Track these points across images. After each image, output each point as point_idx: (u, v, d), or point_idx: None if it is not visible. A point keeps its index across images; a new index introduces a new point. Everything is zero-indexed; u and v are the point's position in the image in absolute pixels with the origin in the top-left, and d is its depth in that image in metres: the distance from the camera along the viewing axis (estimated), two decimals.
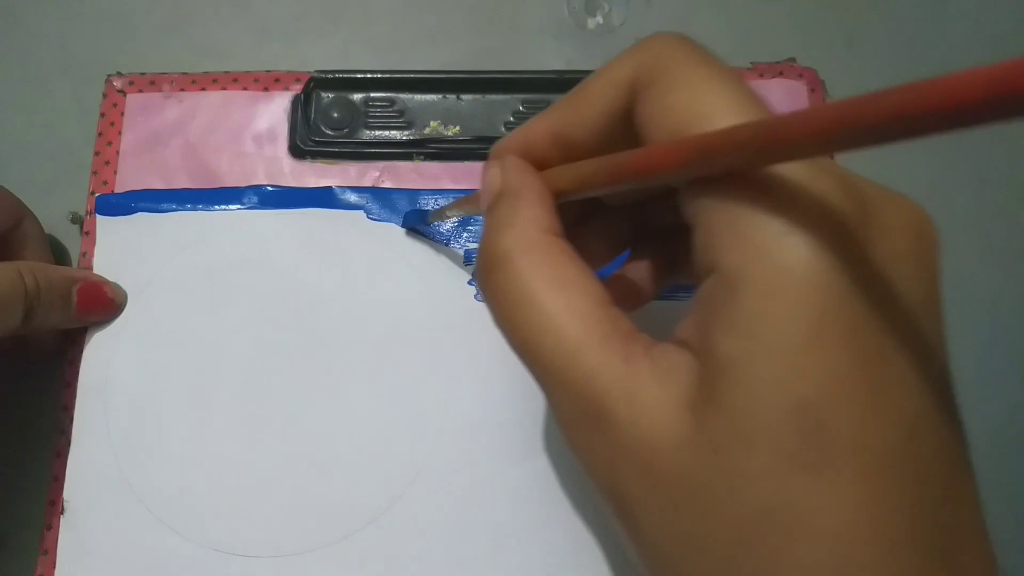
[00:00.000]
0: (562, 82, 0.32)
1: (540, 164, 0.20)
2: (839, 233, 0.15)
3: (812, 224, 0.14)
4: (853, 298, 0.14)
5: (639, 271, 0.23)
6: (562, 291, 0.17)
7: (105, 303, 0.28)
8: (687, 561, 0.15)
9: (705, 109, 0.16)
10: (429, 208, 0.30)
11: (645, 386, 0.16)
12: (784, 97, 0.32)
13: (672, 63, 0.17)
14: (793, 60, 0.32)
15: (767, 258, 0.15)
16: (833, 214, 0.15)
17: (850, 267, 0.14)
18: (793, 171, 0.15)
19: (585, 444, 0.17)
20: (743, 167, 0.15)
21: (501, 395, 0.28)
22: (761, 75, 0.32)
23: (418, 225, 0.30)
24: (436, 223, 0.29)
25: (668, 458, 0.15)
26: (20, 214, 0.28)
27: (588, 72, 0.32)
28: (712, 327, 0.15)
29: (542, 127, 0.20)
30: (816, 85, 0.32)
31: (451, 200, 0.30)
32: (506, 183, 0.20)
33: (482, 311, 0.29)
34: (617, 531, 0.17)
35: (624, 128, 0.18)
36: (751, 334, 0.15)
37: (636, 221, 0.23)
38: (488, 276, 0.18)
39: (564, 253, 0.18)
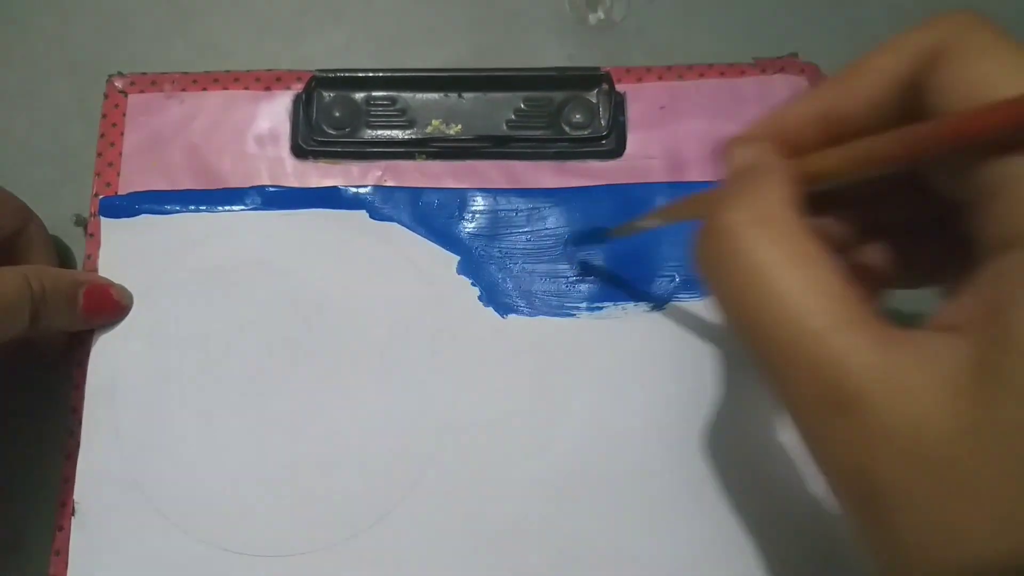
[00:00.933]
0: (564, 79, 0.32)
1: (796, 151, 0.19)
2: None
3: None
4: None
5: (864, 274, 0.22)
6: (804, 267, 0.17)
7: (111, 305, 0.28)
8: (946, 552, 0.15)
9: (1015, 78, 0.15)
10: (604, 226, 0.29)
11: (905, 371, 0.15)
12: (786, 92, 0.32)
13: (972, 33, 0.17)
14: (795, 55, 0.32)
15: None
16: None
17: None
18: None
19: (825, 429, 0.16)
20: None
21: (505, 394, 0.28)
22: (763, 70, 0.32)
23: (588, 243, 0.29)
24: (617, 238, 0.28)
25: (938, 445, 0.15)
26: (25, 218, 0.28)
27: (591, 68, 0.32)
28: (1011, 298, 0.15)
29: (808, 107, 0.19)
30: (817, 80, 0.32)
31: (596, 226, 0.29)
32: (750, 161, 0.19)
33: (486, 312, 0.29)
34: (852, 516, 0.16)
35: (904, 102, 0.18)
36: None
37: (865, 219, 0.21)
38: (713, 247, 0.18)
39: (806, 229, 0.17)
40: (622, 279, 0.30)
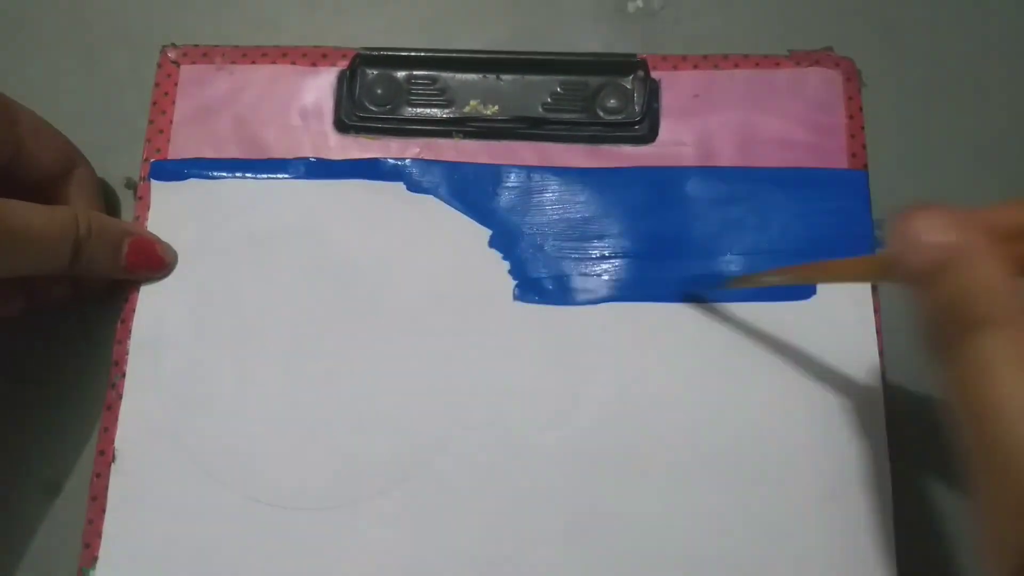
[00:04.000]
0: (601, 64, 0.32)
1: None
2: None
3: None
4: None
5: None
6: None
7: (155, 260, 0.30)
8: None
9: None
10: (722, 274, 0.29)
11: None
12: (820, 86, 0.32)
13: None
14: (830, 49, 0.33)
15: None
16: None
17: None
18: None
19: (1017, 540, 0.16)
20: None
21: (531, 364, 0.29)
22: (798, 63, 0.32)
23: (702, 291, 0.29)
24: (737, 289, 0.28)
25: None
26: (75, 160, 0.30)
27: (627, 55, 0.33)
28: None
29: (1013, 215, 0.19)
30: (852, 75, 0.32)
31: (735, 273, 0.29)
32: (960, 239, 0.19)
33: (515, 286, 0.30)
34: None
35: None
36: None
37: None
38: (954, 343, 0.18)
39: None
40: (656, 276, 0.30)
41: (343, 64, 0.33)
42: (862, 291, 0.29)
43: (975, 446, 0.17)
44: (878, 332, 0.29)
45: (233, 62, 0.33)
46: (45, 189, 0.29)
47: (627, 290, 0.30)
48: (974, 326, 0.18)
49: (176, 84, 0.33)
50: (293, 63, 0.33)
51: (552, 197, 0.31)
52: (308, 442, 0.28)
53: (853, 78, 0.32)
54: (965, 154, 0.32)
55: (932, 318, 0.19)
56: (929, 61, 0.33)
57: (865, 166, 0.31)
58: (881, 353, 0.29)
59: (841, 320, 0.29)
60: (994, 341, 0.17)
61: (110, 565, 0.27)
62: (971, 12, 0.34)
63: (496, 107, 0.32)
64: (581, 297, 0.30)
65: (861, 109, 0.32)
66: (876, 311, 0.29)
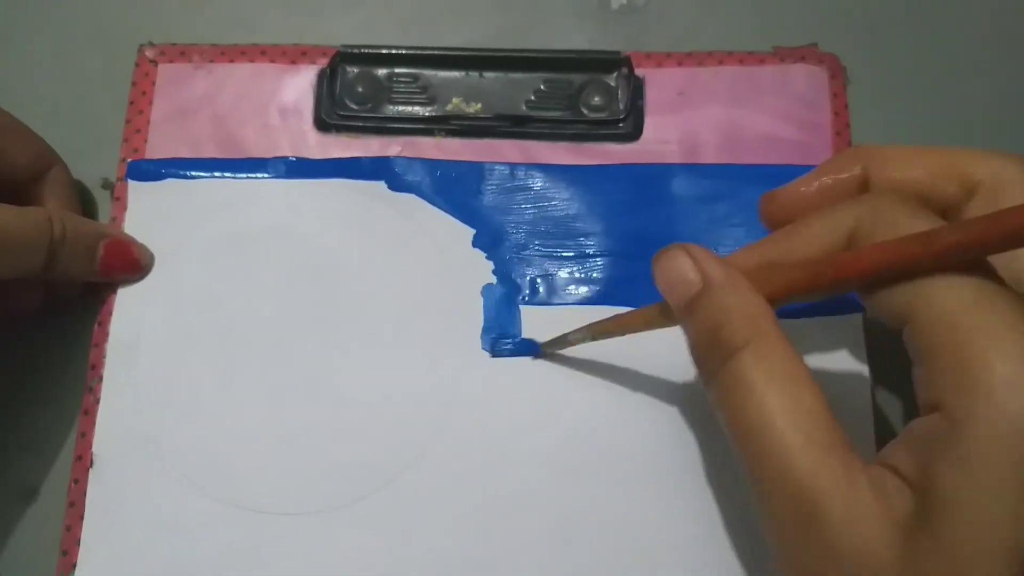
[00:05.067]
0: (585, 62, 0.32)
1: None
2: None
3: None
4: None
5: None
6: (789, 389, 0.18)
7: (130, 262, 0.29)
8: None
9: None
10: (536, 339, 0.29)
11: (864, 498, 0.17)
12: (805, 83, 0.32)
13: (890, 215, 0.19)
14: (815, 45, 0.32)
15: (995, 406, 0.15)
16: None
17: None
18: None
19: (792, 541, 0.18)
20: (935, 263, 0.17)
21: (514, 368, 0.29)
22: (782, 60, 0.32)
23: (514, 354, 0.29)
24: (552, 351, 0.28)
25: (879, 574, 0.16)
26: (50, 161, 0.29)
27: (611, 52, 0.32)
28: (934, 461, 0.16)
29: (751, 255, 0.21)
30: (837, 71, 0.32)
31: (570, 327, 0.28)
32: (710, 273, 0.20)
33: (498, 286, 0.30)
34: None
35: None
36: (975, 476, 0.15)
37: None
38: (721, 367, 0.19)
39: (788, 349, 0.19)
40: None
41: (323, 62, 0.32)
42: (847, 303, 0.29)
43: (746, 460, 0.19)
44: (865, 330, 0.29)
45: (211, 60, 0.32)
46: (19, 190, 0.28)
47: (612, 290, 0.30)
48: (727, 351, 0.19)
49: (153, 83, 0.32)
50: (272, 61, 0.32)
51: (536, 195, 0.31)
52: (289, 446, 0.28)
53: (838, 75, 0.32)
54: None
55: (696, 348, 0.21)
56: (914, 58, 0.33)
57: None
58: (870, 361, 0.28)
59: (831, 329, 0.29)
60: (746, 361, 0.19)
61: (89, 572, 0.27)
62: (956, 9, 0.34)
63: (479, 105, 0.32)
64: (565, 298, 0.30)
65: (846, 106, 0.32)
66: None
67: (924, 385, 0.17)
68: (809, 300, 0.20)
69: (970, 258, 0.17)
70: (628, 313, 0.25)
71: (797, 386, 0.18)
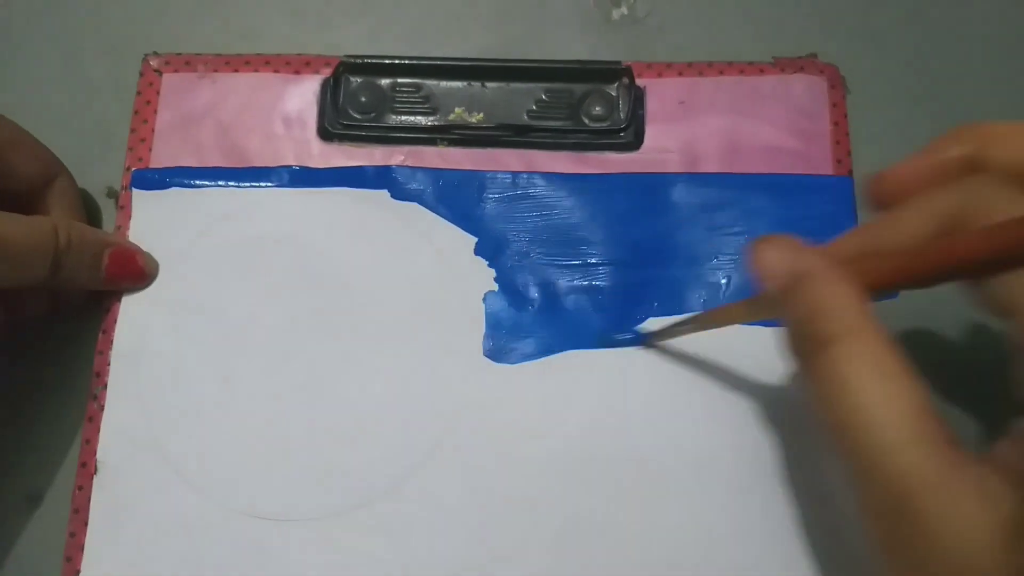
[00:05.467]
0: (586, 72, 0.32)
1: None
2: None
3: None
4: None
5: None
6: (887, 382, 0.18)
7: (135, 271, 0.29)
8: None
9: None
10: (639, 331, 0.29)
11: (965, 501, 0.16)
12: (805, 92, 0.32)
13: (992, 199, 0.18)
14: (815, 55, 0.33)
15: None
16: None
17: None
18: None
19: (893, 537, 0.18)
20: None
21: (519, 374, 0.29)
22: (782, 70, 0.32)
23: (622, 344, 0.29)
24: (657, 342, 0.29)
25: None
26: (56, 171, 0.29)
27: (612, 62, 0.33)
28: None
29: (848, 243, 0.21)
30: (837, 81, 0.32)
31: (672, 319, 0.28)
32: (804, 263, 0.20)
33: (500, 293, 0.30)
34: None
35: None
36: None
37: None
38: (812, 360, 0.19)
39: (886, 341, 0.18)
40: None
41: (326, 72, 0.32)
42: None
43: (843, 454, 0.18)
44: None
45: (215, 70, 0.33)
46: (25, 199, 0.29)
47: (615, 298, 0.30)
48: (825, 342, 0.19)
49: (158, 92, 0.32)
50: (276, 71, 0.33)
51: (538, 203, 0.31)
52: (292, 453, 0.28)
53: (838, 85, 0.32)
54: None
55: (790, 339, 0.20)
56: (913, 67, 0.33)
57: (850, 172, 0.31)
58: None
59: None
60: (843, 353, 0.18)
61: None
62: (954, 18, 0.34)
63: (481, 115, 0.32)
64: (568, 305, 0.30)
65: (846, 116, 0.32)
66: None
67: (1016, 383, 0.17)
68: (908, 289, 0.20)
69: None
70: (735, 304, 0.25)
71: (895, 380, 0.18)
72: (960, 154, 0.21)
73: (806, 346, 0.19)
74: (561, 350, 0.29)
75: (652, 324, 0.29)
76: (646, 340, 0.29)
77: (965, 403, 0.28)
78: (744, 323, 0.25)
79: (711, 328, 0.26)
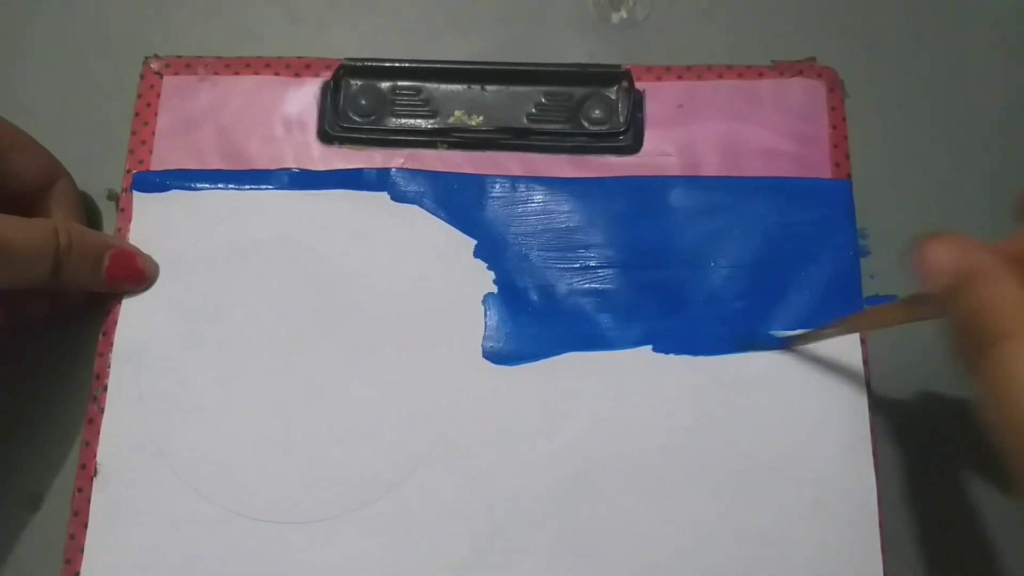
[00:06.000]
0: (585, 75, 0.32)
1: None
2: None
3: None
4: None
5: None
6: None
7: (136, 273, 0.29)
8: None
9: None
10: (776, 335, 0.29)
11: None
12: (803, 96, 0.32)
13: None
14: (813, 59, 0.33)
15: None
16: None
17: None
18: None
19: None
20: None
21: (518, 376, 0.29)
22: (781, 73, 0.32)
23: (760, 350, 0.29)
24: (799, 346, 0.29)
25: None
26: (57, 173, 0.30)
27: (611, 65, 0.33)
28: None
29: (1018, 243, 0.21)
30: (835, 85, 0.32)
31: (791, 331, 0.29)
32: (974, 260, 0.20)
33: (500, 295, 0.30)
34: None
35: None
36: None
37: None
38: (980, 358, 0.19)
39: None
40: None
41: (327, 75, 0.33)
42: None
43: (1013, 453, 0.18)
44: (863, 342, 0.29)
45: (216, 73, 0.33)
46: (26, 202, 0.29)
47: (613, 301, 0.30)
48: (994, 339, 0.19)
49: (159, 95, 0.32)
50: (276, 74, 0.33)
51: (537, 207, 0.31)
52: (292, 455, 0.28)
53: (836, 88, 0.32)
54: (948, 163, 0.32)
55: (957, 336, 0.20)
56: (911, 71, 0.33)
57: (848, 176, 0.31)
58: (866, 362, 0.29)
59: (831, 344, 0.29)
60: (1010, 351, 0.18)
61: None
62: (953, 22, 0.34)
63: (481, 118, 0.32)
64: (567, 308, 0.30)
65: (844, 119, 0.32)
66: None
67: None
68: None
69: None
70: (886, 306, 0.25)
71: None
72: None
73: (974, 343, 0.19)
74: (560, 352, 0.29)
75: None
76: (787, 344, 0.29)
77: None
78: (900, 324, 0.24)
79: (862, 331, 0.26)
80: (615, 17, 0.34)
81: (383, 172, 0.31)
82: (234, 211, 0.31)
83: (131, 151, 0.32)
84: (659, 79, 0.32)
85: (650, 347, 0.29)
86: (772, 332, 0.29)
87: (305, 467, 0.28)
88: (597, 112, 0.32)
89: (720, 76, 0.33)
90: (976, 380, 0.19)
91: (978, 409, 0.20)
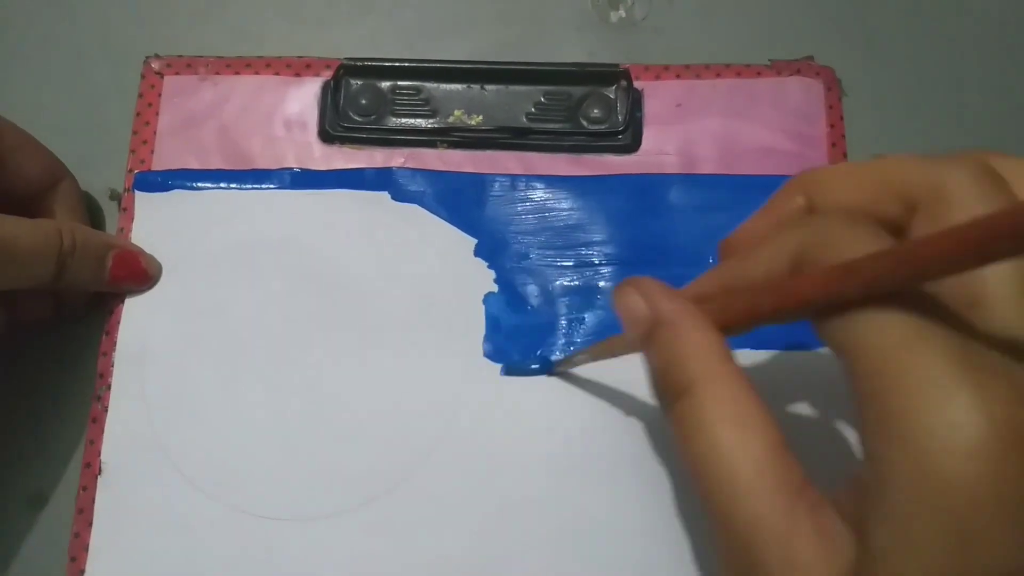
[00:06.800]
0: (584, 74, 0.33)
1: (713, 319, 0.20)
2: (1002, 442, 0.14)
3: (964, 431, 0.14)
4: (1002, 512, 0.14)
5: None
6: (737, 430, 0.18)
7: (139, 273, 0.30)
8: None
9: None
10: (551, 357, 0.29)
11: (804, 549, 0.16)
12: (801, 95, 0.32)
13: (832, 237, 0.17)
14: (811, 58, 0.33)
15: (920, 461, 0.14)
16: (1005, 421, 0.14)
17: (1007, 481, 0.14)
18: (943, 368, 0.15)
19: None
20: (886, 287, 0.15)
21: (519, 374, 0.29)
22: (779, 72, 0.33)
23: (528, 372, 0.29)
24: (562, 370, 0.29)
25: None
26: (60, 174, 0.30)
27: (610, 65, 0.33)
28: (866, 512, 0.16)
29: (706, 283, 0.21)
30: (833, 84, 0.33)
31: (577, 348, 0.29)
32: (659, 310, 0.20)
33: (500, 294, 0.30)
34: None
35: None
36: (901, 535, 0.15)
37: None
38: (673, 406, 0.19)
39: (744, 387, 0.18)
40: None
41: (327, 74, 0.33)
42: None
43: (701, 504, 0.18)
44: None
45: (217, 72, 0.33)
46: (29, 203, 0.29)
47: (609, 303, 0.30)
48: (683, 389, 0.19)
49: (160, 95, 0.33)
50: (277, 73, 0.33)
51: (537, 205, 0.31)
52: (295, 453, 0.28)
53: (834, 87, 0.33)
54: None
55: (653, 385, 0.20)
56: (909, 70, 0.34)
57: None
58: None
59: (808, 360, 0.29)
60: (698, 400, 0.18)
61: None
62: (950, 21, 0.34)
63: (480, 117, 0.32)
64: (567, 306, 0.30)
65: (842, 118, 0.32)
66: None
67: (860, 431, 0.16)
68: (762, 326, 0.19)
69: (905, 287, 0.15)
70: (615, 338, 0.25)
71: (746, 427, 0.18)
72: (796, 206, 0.21)
73: (664, 391, 0.19)
74: (560, 352, 0.29)
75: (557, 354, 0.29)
76: (550, 369, 0.29)
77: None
78: (621, 355, 0.25)
79: (604, 358, 0.26)
80: (614, 16, 0.35)
81: (384, 171, 0.31)
82: (236, 210, 0.31)
83: (133, 151, 0.32)
84: (658, 78, 0.33)
85: None
86: (545, 355, 0.29)
87: (308, 465, 0.28)
88: (596, 111, 0.32)
89: (718, 75, 0.33)
90: (670, 428, 0.19)
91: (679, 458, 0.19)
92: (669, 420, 0.19)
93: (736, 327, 0.20)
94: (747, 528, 0.17)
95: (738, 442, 0.17)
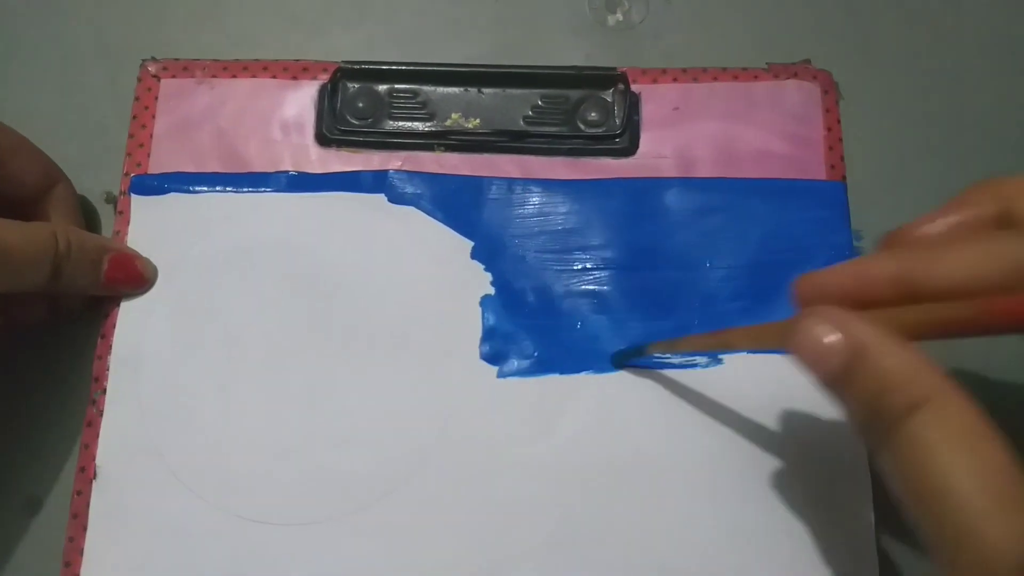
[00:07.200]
0: (581, 78, 0.33)
1: (864, 304, 0.19)
2: None
3: None
4: None
5: None
6: (972, 447, 0.17)
7: (134, 276, 0.29)
8: None
9: None
10: (642, 344, 0.28)
11: None
12: (798, 98, 0.32)
13: None
14: (808, 62, 0.33)
15: None
16: None
17: None
18: None
19: None
20: None
21: (515, 377, 0.29)
22: (776, 75, 0.33)
23: (628, 361, 0.29)
24: (657, 355, 0.28)
25: None
26: (55, 177, 0.30)
27: (607, 68, 0.33)
28: None
29: (884, 268, 0.19)
30: (830, 87, 0.33)
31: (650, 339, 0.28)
32: (860, 339, 0.18)
33: (497, 297, 0.30)
34: None
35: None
36: None
37: None
38: (889, 436, 0.18)
39: (965, 402, 0.17)
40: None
41: (324, 78, 0.33)
42: None
43: (933, 531, 0.17)
44: None
45: (214, 76, 0.33)
46: (25, 206, 0.29)
47: (610, 303, 0.30)
48: (897, 415, 0.18)
49: (156, 98, 0.32)
50: (274, 77, 0.33)
51: (534, 209, 0.31)
52: (290, 457, 0.28)
53: (831, 90, 0.33)
54: (941, 165, 0.32)
55: (859, 416, 0.19)
56: (906, 74, 0.34)
57: (843, 177, 0.31)
58: None
59: None
60: (921, 423, 0.17)
61: None
62: (947, 25, 0.34)
63: (477, 120, 0.32)
64: (564, 309, 0.30)
65: (839, 121, 0.32)
66: None
67: None
68: (955, 337, 0.18)
69: None
70: (732, 330, 0.24)
71: (981, 443, 0.17)
72: (988, 213, 0.20)
73: (878, 422, 0.18)
74: (557, 355, 0.29)
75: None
76: (643, 349, 0.28)
77: None
78: (746, 350, 0.24)
79: (727, 349, 0.25)
80: (611, 20, 0.35)
81: (380, 174, 0.31)
82: (232, 214, 0.31)
83: (129, 154, 0.32)
84: (655, 81, 0.33)
85: None
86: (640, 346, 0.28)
87: (303, 469, 0.28)
88: (593, 114, 0.32)
89: (715, 78, 0.33)
90: (885, 459, 0.19)
91: (892, 486, 0.19)
92: (887, 450, 0.18)
93: (931, 337, 0.18)
94: (997, 549, 0.16)
95: (976, 459, 0.17)
